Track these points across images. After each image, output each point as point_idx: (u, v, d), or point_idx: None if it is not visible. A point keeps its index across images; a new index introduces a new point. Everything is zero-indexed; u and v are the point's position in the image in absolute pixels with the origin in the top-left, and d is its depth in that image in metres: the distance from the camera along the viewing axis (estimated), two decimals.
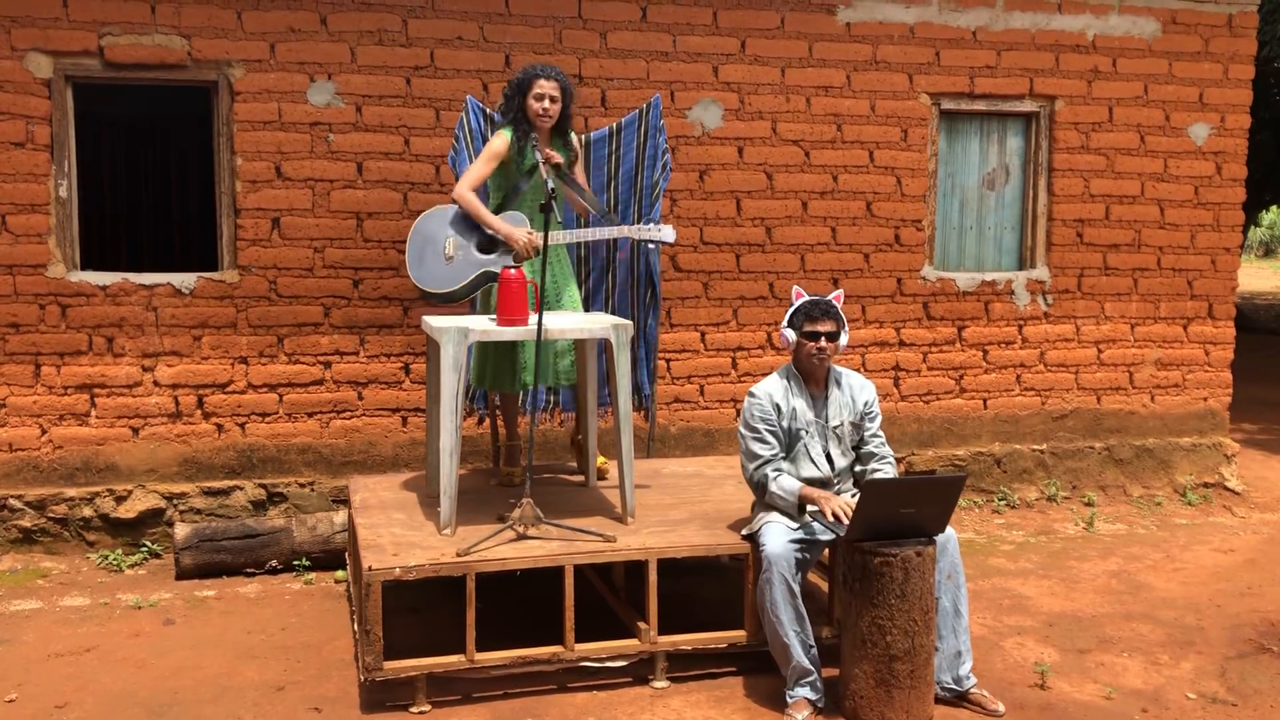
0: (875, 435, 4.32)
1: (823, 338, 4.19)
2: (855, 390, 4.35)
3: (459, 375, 4.36)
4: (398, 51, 5.90)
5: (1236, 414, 7.47)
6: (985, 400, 6.95)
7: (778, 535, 4.02)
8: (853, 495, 4.25)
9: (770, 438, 4.19)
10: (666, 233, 5.09)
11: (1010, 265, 7.06)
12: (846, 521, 3.91)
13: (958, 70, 6.70)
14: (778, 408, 4.23)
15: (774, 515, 4.14)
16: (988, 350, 6.93)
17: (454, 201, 4.95)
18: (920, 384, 6.82)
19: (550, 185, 4.45)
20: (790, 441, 4.23)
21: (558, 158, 4.84)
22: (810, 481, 4.20)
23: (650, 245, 5.52)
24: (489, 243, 4.89)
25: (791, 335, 4.24)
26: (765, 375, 6.54)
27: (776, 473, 4.15)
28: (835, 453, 4.28)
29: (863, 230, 6.65)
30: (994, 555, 5.98)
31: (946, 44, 6.66)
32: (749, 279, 6.50)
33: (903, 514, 3.86)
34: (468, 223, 4.92)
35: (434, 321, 4.61)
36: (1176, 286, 7.20)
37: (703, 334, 6.48)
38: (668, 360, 6.40)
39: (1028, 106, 6.88)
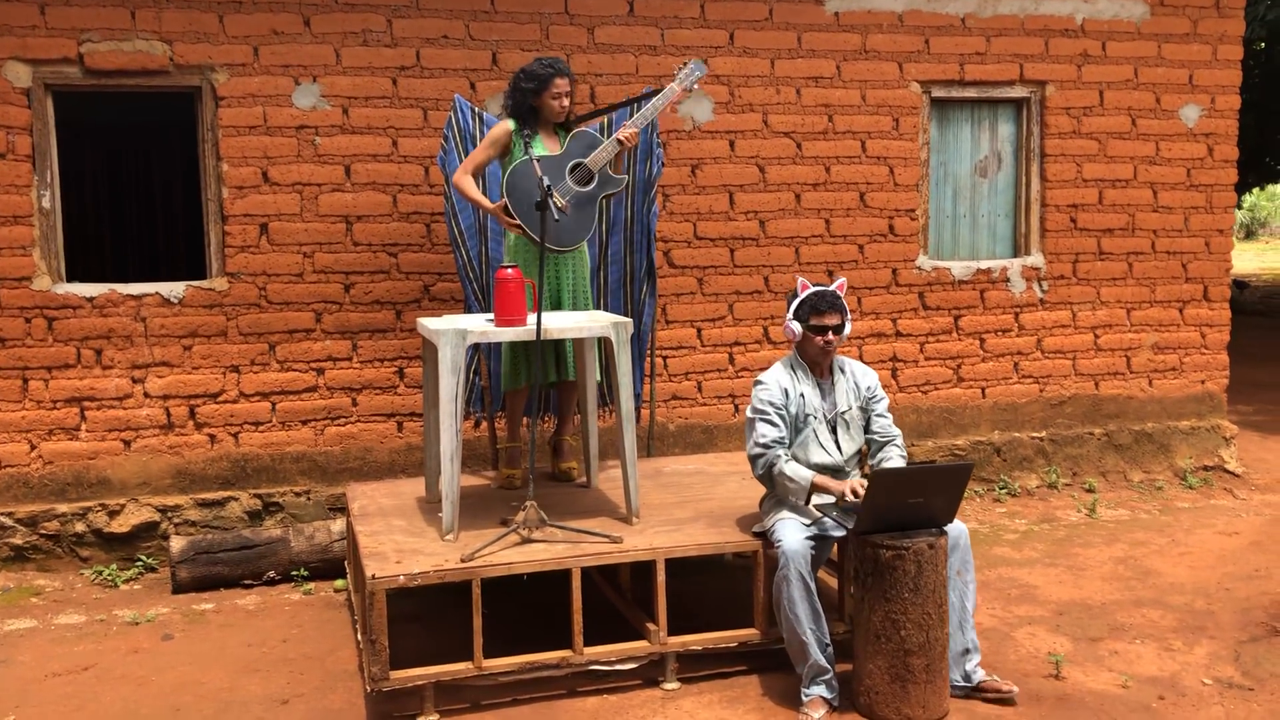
0: (881, 416, 4.30)
1: (830, 331, 4.17)
2: (858, 376, 4.34)
3: (458, 378, 4.29)
4: (383, 52, 5.82)
5: (1229, 396, 7.45)
6: (983, 389, 6.91)
7: (793, 531, 3.96)
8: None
9: (778, 420, 4.15)
10: (694, 70, 4.98)
11: (1005, 253, 7.02)
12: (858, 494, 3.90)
13: (947, 58, 6.65)
14: (785, 392, 4.21)
15: (786, 511, 4.09)
16: (985, 339, 6.89)
17: (455, 187, 5.05)
18: (918, 374, 6.77)
19: (546, 183, 4.38)
20: (798, 428, 4.19)
21: (633, 138, 4.91)
22: (820, 467, 4.16)
23: (651, 232, 5.48)
24: (584, 173, 4.86)
25: (798, 328, 4.21)
26: (763, 370, 6.53)
27: (786, 457, 4.10)
28: (843, 439, 4.24)
29: (856, 221, 6.60)
30: (998, 545, 5.94)
31: (936, 31, 6.61)
32: (744, 273, 6.44)
33: (911, 503, 3.82)
34: (547, 168, 4.77)
35: (431, 324, 4.54)
36: (1171, 270, 7.18)
37: (699, 330, 6.42)
38: (665, 357, 6.34)
39: (1018, 92, 6.84)
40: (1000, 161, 6.96)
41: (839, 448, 4.22)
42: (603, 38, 6.10)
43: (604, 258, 5.57)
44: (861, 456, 4.39)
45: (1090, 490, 6.92)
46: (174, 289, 5.69)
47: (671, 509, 4.72)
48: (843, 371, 4.32)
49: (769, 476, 4.12)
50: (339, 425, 5.93)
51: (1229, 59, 7.13)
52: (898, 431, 4.28)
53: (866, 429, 4.30)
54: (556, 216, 4.73)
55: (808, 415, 4.18)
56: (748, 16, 6.31)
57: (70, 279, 5.76)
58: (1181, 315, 7.23)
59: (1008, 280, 6.89)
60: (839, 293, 4.28)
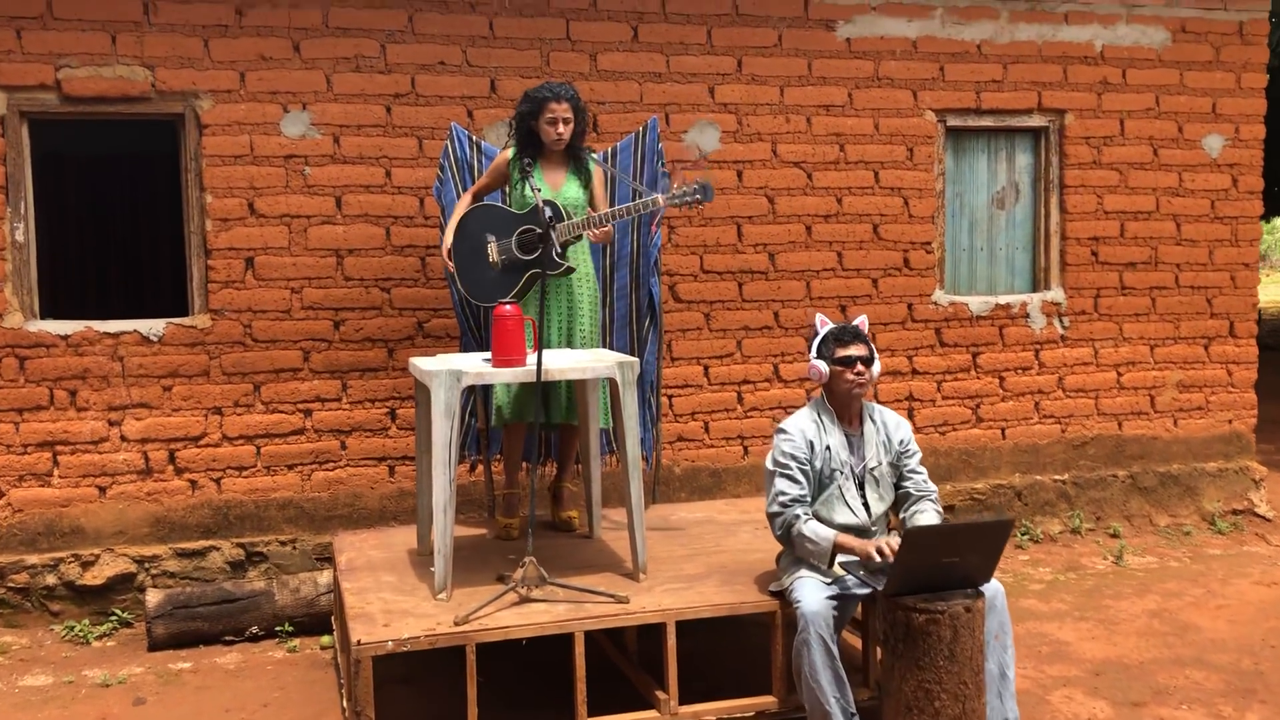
0: (915, 472, 3.97)
1: (858, 362, 3.87)
2: (890, 427, 4.00)
3: (452, 422, 3.99)
4: (376, 79, 5.57)
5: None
6: (1003, 429, 6.61)
7: (813, 592, 3.65)
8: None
9: (800, 476, 3.83)
10: (696, 193, 4.58)
11: (1024, 287, 6.74)
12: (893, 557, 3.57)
13: (963, 85, 6.40)
14: (810, 445, 3.87)
15: (805, 569, 3.78)
16: (1004, 377, 6.60)
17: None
18: (935, 414, 6.47)
19: (549, 213, 4.11)
20: (822, 484, 3.87)
21: (604, 238, 4.65)
22: (845, 528, 3.85)
23: (653, 271, 5.20)
24: (533, 240, 4.60)
25: (824, 366, 3.89)
26: (773, 410, 6.26)
27: (806, 516, 3.79)
28: (872, 497, 3.93)
29: (870, 254, 6.33)
30: (1024, 596, 5.62)
31: (951, 58, 6.37)
32: (753, 308, 6.16)
33: (946, 563, 3.51)
34: (501, 222, 4.64)
35: (423, 364, 4.25)
36: (1196, 305, 6.90)
37: (706, 368, 6.12)
38: (670, 396, 6.04)
39: (1036, 121, 6.58)
40: (1018, 193, 6.70)
41: (867, 507, 3.91)
42: (606, 64, 5.85)
43: (609, 292, 5.29)
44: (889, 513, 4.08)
45: (1115, 536, 6.61)
46: (153, 326, 5.39)
47: (680, 563, 4.41)
48: (873, 421, 4.00)
49: (788, 537, 3.81)
50: (327, 470, 5.62)
51: (1253, 87, 6.88)
52: (933, 487, 3.97)
53: (897, 485, 3.99)
54: (493, 259, 4.65)
55: (834, 470, 3.86)
56: (756, 43, 6.06)
57: (50, 315, 5.46)
58: (1207, 352, 6.95)
59: (1027, 316, 6.61)
60: (861, 328, 4.01)
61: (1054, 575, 5.98)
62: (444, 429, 3.97)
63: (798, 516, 3.77)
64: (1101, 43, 6.61)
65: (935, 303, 6.44)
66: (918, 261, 6.41)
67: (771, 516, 3.85)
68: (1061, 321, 6.68)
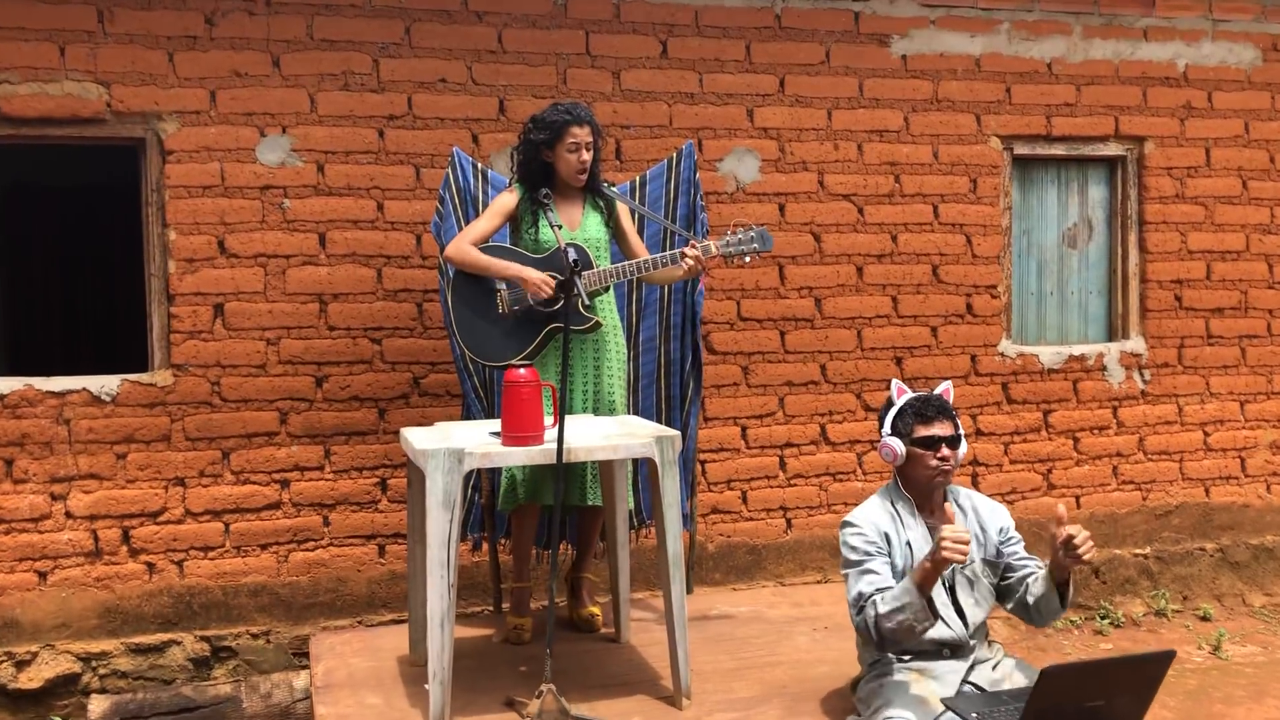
0: (1026, 559, 3.24)
1: (943, 444, 3.17)
2: (984, 516, 3.28)
3: (451, 514, 3.23)
4: (368, 98, 4.85)
5: None
6: (1078, 497, 5.83)
7: None
8: (997, 663, 3.14)
9: (882, 568, 3.12)
10: (750, 242, 3.95)
11: (1098, 336, 5.98)
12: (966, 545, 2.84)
13: (1032, 109, 5.68)
14: (886, 538, 3.14)
15: (896, 708, 2.99)
16: (1079, 438, 5.82)
17: (448, 261, 4.06)
18: (1002, 481, 5.69)
19: (573, 256, 3.36)
20: None
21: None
22: (939, 643, 3.09)
23: (696, 316, 4.49)
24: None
25: (899, 445, 3.18)
26: (820, 478, 5.48)
27: (872, 597, 3.05)
28: (967, 603, 3.18)
29: (929, 299, 5.57)
30: None
31: (1018, 78, 5.65)
32: (797, 360, 5.40)
33: (1089, 707, 2.73)
34: (510, 257, 3.95)
35: (416, 439, 3.48)
36: None
37: (743, 428, 5.36)
38: (703, 462, 5.27)
39: (1112, 150, 5.85)
40: (1091, 230, 5.96)
41: (961, 615, 3.15)
42: (631, 83, 5.13)
43: (634, 344, 4.55)
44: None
45: (1206, 618, 5.80)
46: (105, 384, 4.64)
47: (729, 680, 3.62)
48: (960, 508, 3.27)
49: (880, 637, 3.04)
50: (307, 550, 4.84)
51: None
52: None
53: (1001, 581, 3.23)
54: (503, 310, 3.93)
55: None
56: (801, 60, 5.35)
57: (12, 372, 4.72)
58: None
59: (1104, 369, 5.84)
60: (945, 398, 3.29)
61: None
62: (441, 522, 3.20)
63: (874, 604, 3.01)
64: (1184, 62, 5.89)
65: (1002, 354, 5.68)
66: (982, 307, 5.66)
67: (859, 628, 3.09)
68: (1142, 375, 5.91)
